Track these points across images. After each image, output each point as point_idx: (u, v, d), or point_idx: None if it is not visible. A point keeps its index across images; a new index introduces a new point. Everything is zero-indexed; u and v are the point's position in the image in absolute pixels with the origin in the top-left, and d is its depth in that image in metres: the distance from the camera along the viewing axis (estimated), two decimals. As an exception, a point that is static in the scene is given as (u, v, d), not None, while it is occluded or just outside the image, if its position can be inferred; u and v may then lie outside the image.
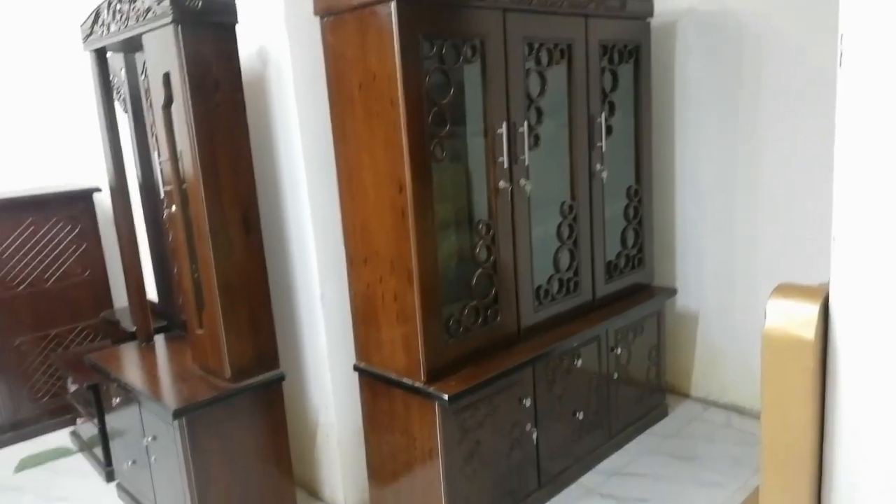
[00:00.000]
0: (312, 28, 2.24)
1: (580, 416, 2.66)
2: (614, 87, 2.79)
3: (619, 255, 2.95)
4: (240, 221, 2.23)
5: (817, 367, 1.05)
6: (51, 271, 3.38)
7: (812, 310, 1.03)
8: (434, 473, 2.21)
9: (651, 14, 2.87)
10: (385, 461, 2.42)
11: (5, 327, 3.28)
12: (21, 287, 3.31)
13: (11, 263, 3.27)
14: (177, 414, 2.11)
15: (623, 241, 2.97)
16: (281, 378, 2.37)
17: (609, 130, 2.75)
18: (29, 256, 3.32)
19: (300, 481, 2.69)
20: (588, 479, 2.70)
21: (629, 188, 2.95)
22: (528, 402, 2.42)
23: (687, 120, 3.15)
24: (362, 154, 2.18)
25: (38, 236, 3.34)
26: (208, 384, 2.27)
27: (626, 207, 2.96)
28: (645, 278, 3.06)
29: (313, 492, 2.71)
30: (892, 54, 0.98)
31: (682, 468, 2.74)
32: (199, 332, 2.31)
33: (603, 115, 2.69)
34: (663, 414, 3.16)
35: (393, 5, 1.93)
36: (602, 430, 2.81)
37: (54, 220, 3.38)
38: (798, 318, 1.03)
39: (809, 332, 1.02)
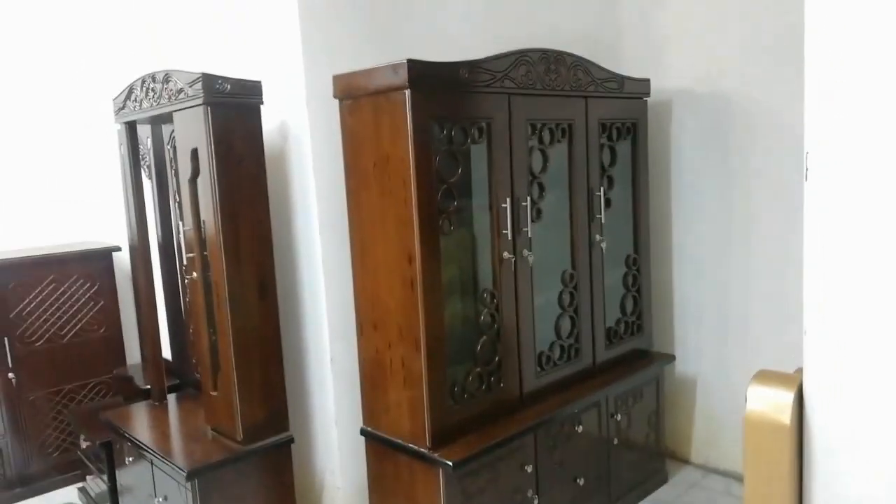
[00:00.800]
0: (331, 109, 2.38)
1: (581, 481, 2.70)
2: (612, 162, 2.93)
3: (618, 322, 3.04)
4: (257, 288, 2.35)
5: (794, 447, 1.14)
6: (68, 327, 3.47)
7: (788, 396, 1.13)
8: (437, 538, 2.25)
9: (648, 93, 3.04)
10: (389, 525, 2.46)
11: (23, 382, 3.34)
12: (39, 343, 3.39)
13: (31, 320, 3.36)
14: (190, 475, 2.18)
15: (622, 308, 3.07)
16: (290, 440, 2.45)
17: (608, 203, 2.88)
18: (49, 313, 3.41)
19: (304, 543, 2.72)
20: (589, 545, 2.73)
21: (628, 257, 3.07)
22: (529, 468, 2.47)
23: (682, 191, 3.29)
24: (375, 227, 2.30)
25: (58, 293, 3.43)
26: (220, 445, 2.35)
27: (626, 275, 3.07)
28: (644, 344, 3.14)
29: (317, 554, 2.74)
30: (851, 172, 1.11)
31: (682, 536, 2.77)
32: (214, 394, 2.40)
33: (602, 189, 2.82)
34: (663, 480, 3.19)
35: (407, 93, 2.09)
36: (602, 496, 2.84)
37: (74, 277, 3.49)
38: (775, 404, 1.13)
39: (786, 417, 1.11)
